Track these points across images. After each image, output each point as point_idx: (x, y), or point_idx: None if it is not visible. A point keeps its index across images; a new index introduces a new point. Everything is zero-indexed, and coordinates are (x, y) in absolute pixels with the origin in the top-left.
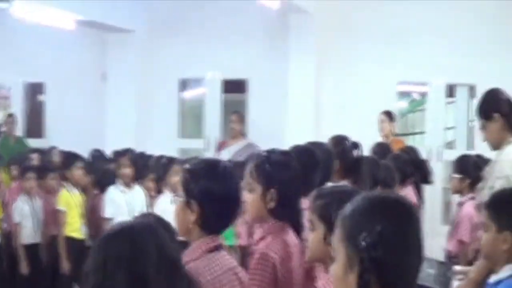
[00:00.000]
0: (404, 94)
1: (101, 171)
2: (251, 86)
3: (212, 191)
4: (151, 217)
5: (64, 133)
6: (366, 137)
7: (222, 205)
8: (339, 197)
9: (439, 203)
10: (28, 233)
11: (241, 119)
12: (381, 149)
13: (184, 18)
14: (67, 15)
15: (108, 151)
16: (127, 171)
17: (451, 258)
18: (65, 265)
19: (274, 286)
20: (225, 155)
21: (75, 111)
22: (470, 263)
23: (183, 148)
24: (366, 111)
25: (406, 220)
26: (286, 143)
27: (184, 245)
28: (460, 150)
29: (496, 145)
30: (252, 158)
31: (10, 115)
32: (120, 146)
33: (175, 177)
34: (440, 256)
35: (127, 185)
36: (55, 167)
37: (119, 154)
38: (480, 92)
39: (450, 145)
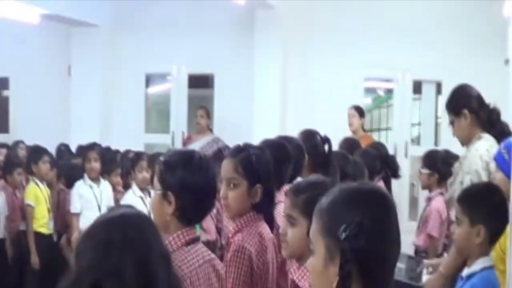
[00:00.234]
0: (369, 91)
1: (67, 166)
2: (217, 81)
3: (188, 182)
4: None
5: (29, 128)
6: (333, 133)
7: (199, 196)
8: (321, 191)
9: (406, 199)
10: None
11: (207, 114)
12: (349, 144)
13: (149, 13)
14: (32, 9)
15: (74, 146)
16: (96, 165)
17: (420, 253)
18: (35, 260)
19: (250, 278)
20: None
21: (40, 106)
22: (439, 257)
23: (149, 143)
24: (333, 107)
25: (385, 209)
26: (252, 138)
27: None
28: (427, 146)
29: (466, 141)
30: (232, 154)
31: None
32: (86, 140)
33: (143, 172)
34: (409, 251)
35: (95, 179)
36: (21, 162)
37: (85, 148)
38: (446, 88)
39: (416, 141)
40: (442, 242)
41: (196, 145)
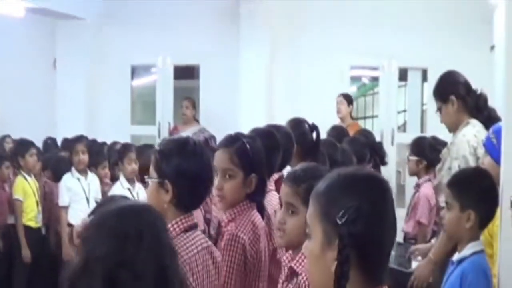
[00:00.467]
0: (354, 79)
1: (54, 159)
2: (203, 71)
3: (184, 169)
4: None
5: (15, 121)
6: (319, 122)
7: (195, 182)
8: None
9: (393, 187)
10: None
11: (193, 104)
12: (337, 132)
13: (135, 5)
14: (17, 2)
15: (60, 139)
16: (84, 157)
17: (409, 239)
18: (26, 254)
19: (244, 267)
20: None
21: (25, 99)
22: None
23: (135, 135)
24: (319, 96)
25: (382, 194)
26: (239, 128)
27: None
28: (413, 133)
29: (453, 127)
30: (226, 144)
31: None
32: (72, 133)
33: (132, 164)
34: (398, 238)
35: (83, 172)
36: (8, 155)
37: (70, 141)
38: (432, 75)
39: (402, 128)
40: (431, 228)
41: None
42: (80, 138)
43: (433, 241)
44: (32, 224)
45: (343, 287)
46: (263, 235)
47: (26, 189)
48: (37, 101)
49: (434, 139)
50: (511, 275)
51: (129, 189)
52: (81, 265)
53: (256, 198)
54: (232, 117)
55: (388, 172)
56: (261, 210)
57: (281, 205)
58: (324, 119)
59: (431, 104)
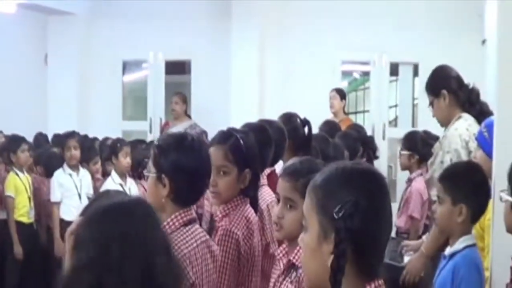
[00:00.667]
0: (345, 74)
1: (46, 155)
2: (194, 66)
3: (182, 164)
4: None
5: (6, 117)
6: (311, 118)
7: (193, 177)
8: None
9: None
10: None
11: (182, 100)
12: (329, 127)
13: (126, 0)
14: None
15: (50, 134)
16: (76, 153)
17: (402, 234)
18: (18, 250)
19: (237, 262)
20: None
21: (17, 95)
22: (420, 238)
23: (127, 130)
24: (310, 91)
25: (379, 188)
26: (230, 124)
27: None
28: (404, 128)
29: (445, 122)
30: (220, 141)
31: None
32: (63, 129)
33: (127, 158)
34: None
35: (74, 168)
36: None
37: (61, 137)
38: (423, 70)
39: (393, 123)
40: (423, 223)
41: (173, 131)
42: (72, 134)
43: (424, 237)
44: (24, 219)
45: (338, 281)
46: (256, 230)
47: (17, 185)
48: (28, 96)
49: (426, 133)
50: (503, 268)
51: (120, 185)
52: (69, 274)
53: (250, 193)
54: (224, 112)
55: (379, 167)
56: (255, 205)
57: (278, 200)
58: (316, 113)
59: (423, 99)
